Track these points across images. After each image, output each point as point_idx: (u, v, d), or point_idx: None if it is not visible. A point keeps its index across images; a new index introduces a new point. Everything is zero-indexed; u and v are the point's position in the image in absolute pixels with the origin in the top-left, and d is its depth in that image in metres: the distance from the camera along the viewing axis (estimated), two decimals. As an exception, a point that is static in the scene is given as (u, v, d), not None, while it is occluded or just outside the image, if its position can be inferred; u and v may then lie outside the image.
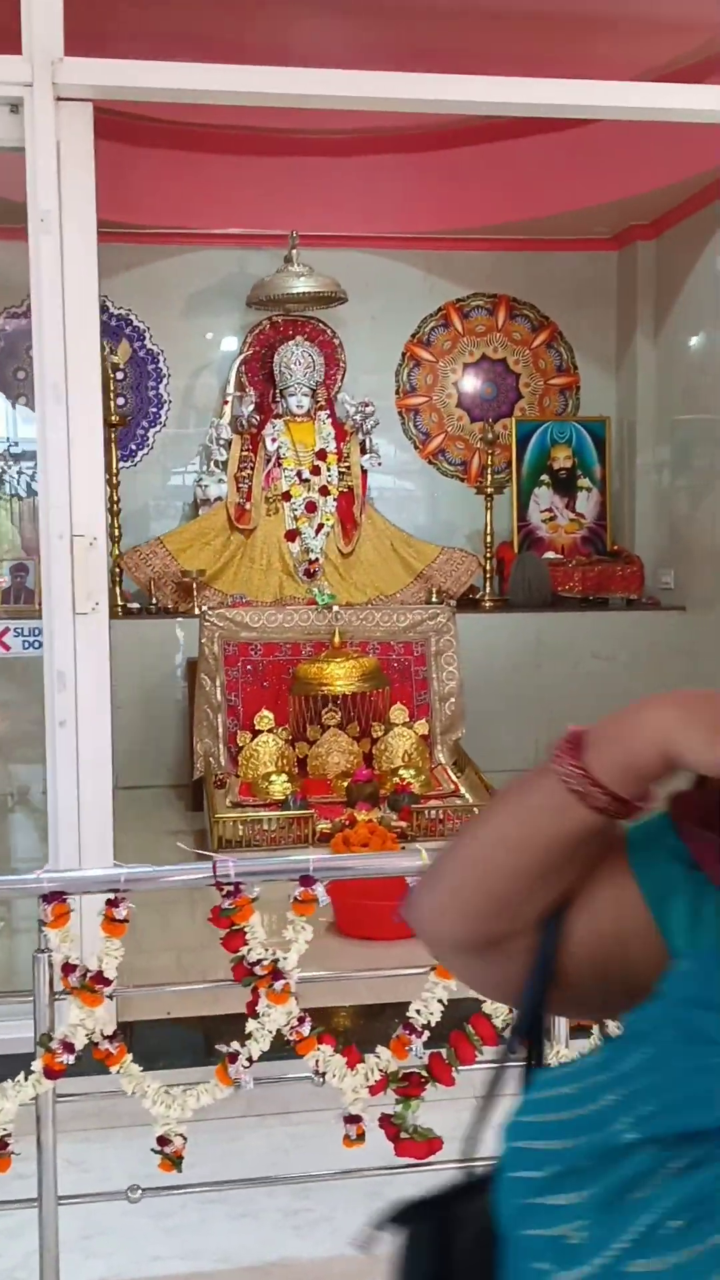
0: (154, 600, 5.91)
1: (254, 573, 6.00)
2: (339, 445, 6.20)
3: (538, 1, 4.16)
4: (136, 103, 3.82)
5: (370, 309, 6.64)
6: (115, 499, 6.06)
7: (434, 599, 5.93)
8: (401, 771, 4.80)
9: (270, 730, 4.88)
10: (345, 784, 4.63)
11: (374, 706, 5.05)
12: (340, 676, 4.81)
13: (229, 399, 6.24)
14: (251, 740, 4.89)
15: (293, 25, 4.12)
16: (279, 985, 2.04)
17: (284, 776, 4.72)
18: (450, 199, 6.39)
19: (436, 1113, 2.17)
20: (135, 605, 6.00)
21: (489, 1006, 2.14)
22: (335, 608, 5.17)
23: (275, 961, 2.05)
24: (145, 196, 6.20)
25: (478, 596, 6.34)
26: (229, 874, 2.04)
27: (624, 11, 4.16)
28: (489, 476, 6.39)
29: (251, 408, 6.19)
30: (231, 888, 2.05)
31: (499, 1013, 2.14)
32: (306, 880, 2.06)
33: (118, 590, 6.02)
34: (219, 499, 6.11)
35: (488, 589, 6.36)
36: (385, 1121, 2.14)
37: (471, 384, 6.81)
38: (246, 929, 2.05)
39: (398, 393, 6.76)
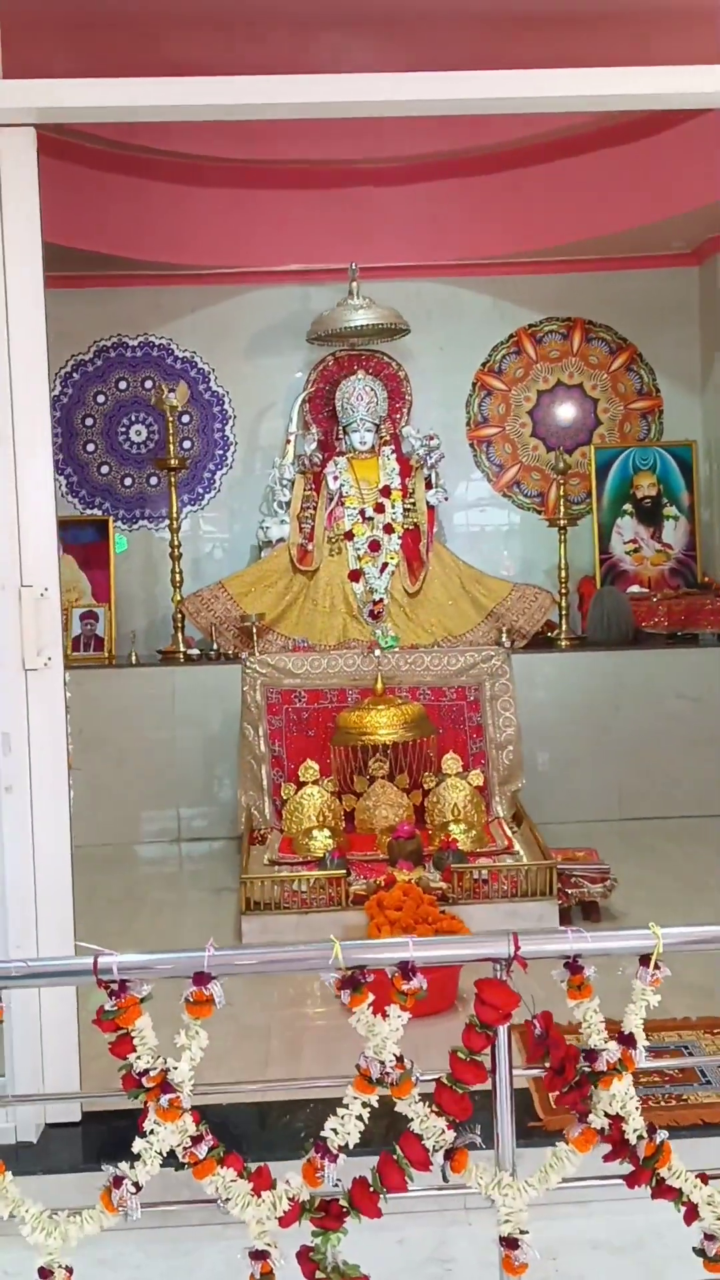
0: (215, 646, 5.78)
1: (317, 615, 5.81)
2: (404, 481, 5.98)
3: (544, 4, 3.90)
4: (84, 124, 3.67)
5: (437, 339, 6.42)
6: (175, 544, 5.96)
7: (504, 639, 5.63)
8: (451, 826, 4.51)
9: (315, 782, 4.66)
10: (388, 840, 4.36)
11: (425, 756, 4.77)
12: (383, 725, 4.56)
13: (291, 438, 6.09)
14: (296, 793, 4.67)
15: (270, 38, 3.95)
16: (167, 1100, 1.80)
17: (326, 832, 4.48)
18: (516, 221, 6.14)
19: (365, 1245, 1.90)
20: (195, 652, 5.87)
21: (418, 1125, 1.86)
22: (378, 651, 4.92)
23: (165, 1071, 1.82)
24: (204, 237, 6.14)
25: (554, 635, 6.00)
26: (111, 971, 1.82)
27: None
28: (562, 508, 6.06)
29: (314, 446, 6.03)
30: (115, 986, 1.82)
31: (430, 1133, 1.86)
32: (200, 979, 1.82)
33: (179, 636, 5.92)
34: (281, 540, 5.95)
35: (565, 626, 6.01)
36: (303, 1256, 1.88)
37: (547, 412, 6.50)
38: (134, 1034, 1.82)
39: (469, 424, 6.50)
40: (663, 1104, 2.69)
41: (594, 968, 1.90)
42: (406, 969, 1.86)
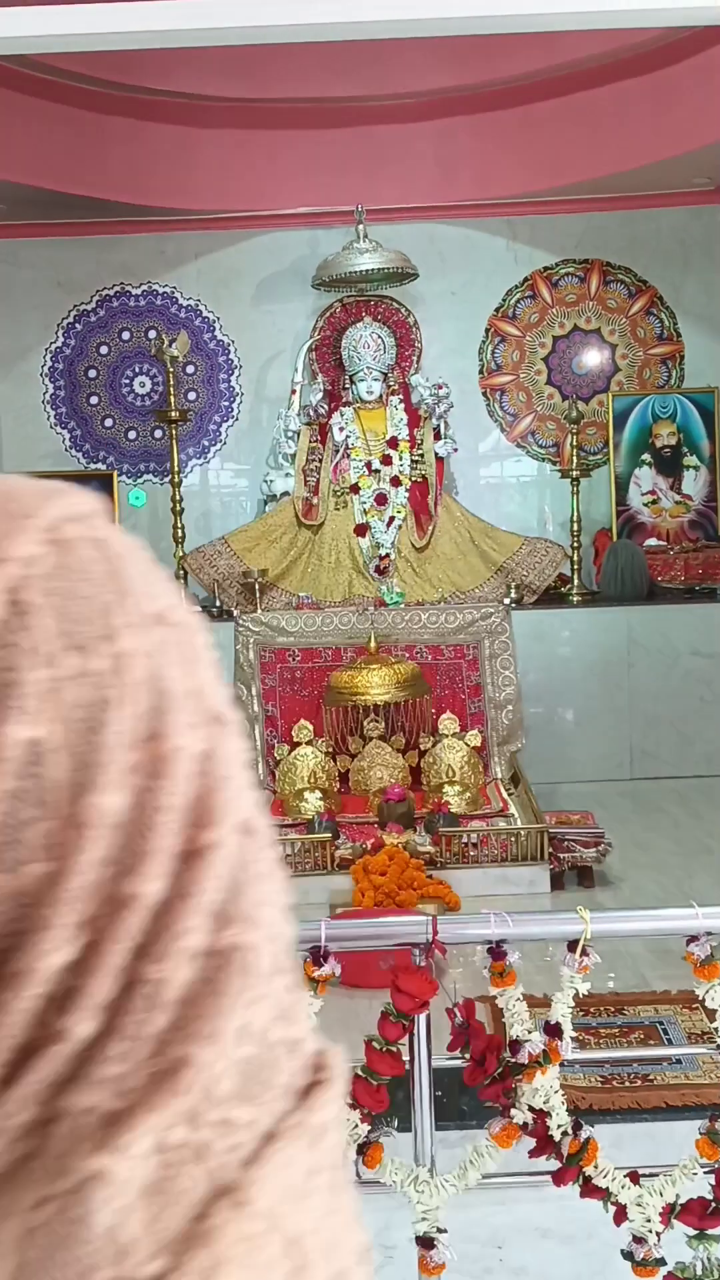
0: (218, 603, 5.68)
1: (322, 571, 5.69)
2: (412, 432, 5.81)
3: None
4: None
5: (450, 283, 6.21)
6: (177, 498, 5.85)
7: (512, 594, 5.48)
8: (445, 789, 4.40)
9: (309, 742, 4.57)
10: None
11: (422, 716, 4.66)
12: (375, 685, 4.44)
13: (296, 388, 5.93)
14: (289, 753, 4.58)
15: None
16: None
17: (317, 794, 4.39)
18: (531, 158, 5.89)
19: None
20: (198, 609, 5.76)
21: None
22: (370, 609, 4.79)
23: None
24: (209, 181, 5.97)
25: (566, 590, 5.84)
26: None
27: None
28: (576, 458, 5.86)
29: (320, 396, 5.87)
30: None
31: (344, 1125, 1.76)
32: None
33: (182, 593, 5.82)
34: (286, 494, 5.82)
35: (577, 581, 5.84)
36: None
37: (562, 359, 6.28)
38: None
39: (481, 372, 6.30)
40: (627, 1084, 2.58)
41: (519, 953, 1.79)
42: (318, 954, 1.76)
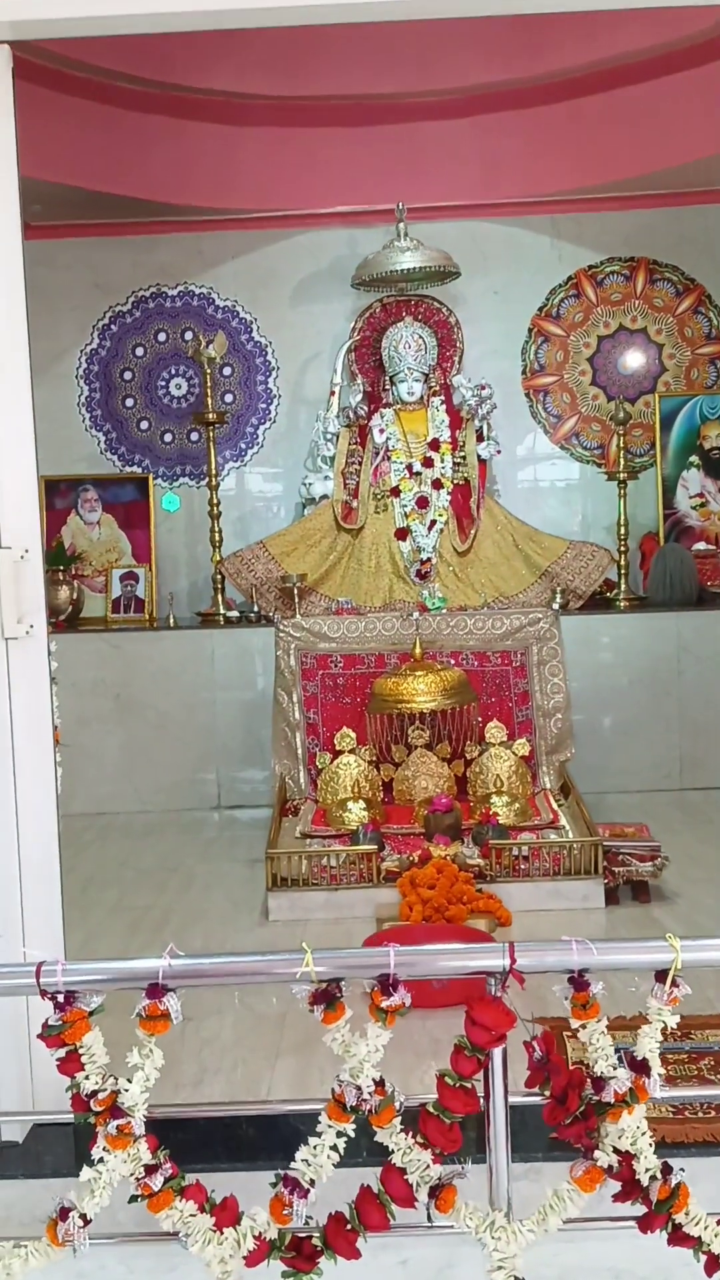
0: (256, 608, 5.58)
1: (362, 576, 5.57)
2: (454, 434, 5.69)
3: None
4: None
5: (492, 282, 6.09)
6: (215, 501, 5.76)
7: (558, 599, 5.34)
8: (493, 799, 4.27)
9: (352, 751, 4.45)
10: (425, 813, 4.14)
11: (468, 724, 4.53)
12: (421, 692, 4.32)
13: (335, 389, 5.82)
14: (331, 762, 4.47)
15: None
16: (115, 1126, 1.61)
17: (361, 804, 4.28)
18: (576, 155, 5.77)
19: (362, 1266, 1.70)
20: (234, 614, 5.67)
21: (401, 1158, 1.65)
22: (416, 615, 4.67)
23: (115, 1094, 1.63)
24: (248, 180, 5.88)
25: (613, 595, 5.69)
26: (55, 980, 1.63)
27: None
28: (622, 460, 5.72)
29: (360, 397, 5.76)
30: (61, 997, 1.63)
31: (414, 1166, 1.65)
32: (154, 991, 1.63)
33: (219, 598, 5.73)
34: (324, 497, 5.71)
35: (624, 586, 5.70)
36: (275, 1296, 1.69)
37: (607, 358, 6.14)
38: (82, 1050, 1.63)
39: (524, 373, 6.17)
40: (700, 1115, 2.45)
41: (602, 983, 1.66)
42: (386, 983, 1.64)
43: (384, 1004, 1.64)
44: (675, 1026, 1.66)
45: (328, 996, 1.65)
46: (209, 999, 3.05)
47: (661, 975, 1.64)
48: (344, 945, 3.61)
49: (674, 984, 1.63)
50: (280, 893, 3.87)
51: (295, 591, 5.21)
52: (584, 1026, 1.65)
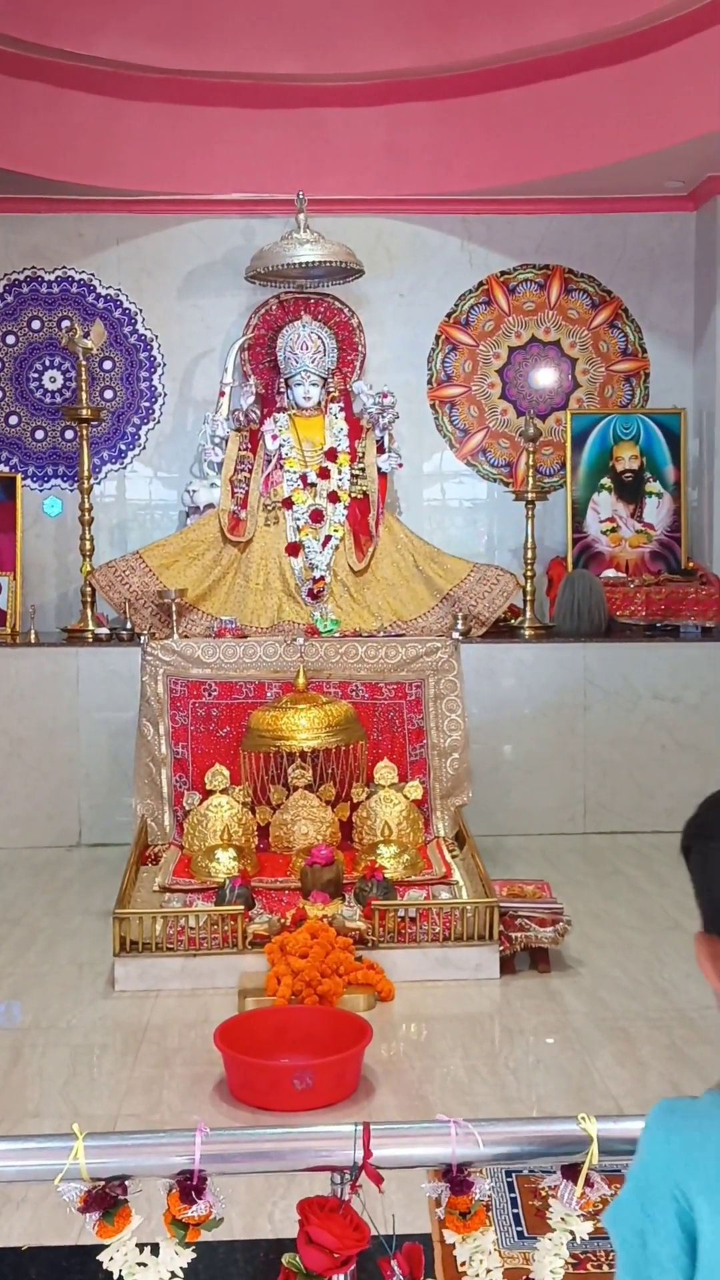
0: (130, 625, 5.05)
1: (249, 593, 5.08)
2: (352, 444, 5.25)
3: None
4: None
5: (398, 284, 5.69)
6: (86, 506, 5.23)
7: (459, 626, 4.92)
8: (380, 849, 3.82)
9: (224, 791, 3.96)
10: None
11: (355, 763, 4.07)
12: (303, 728, 3.85)
13: (226, 390, 5.34)
14: (200, 803, 3.97)
15: None
16: None
17: (231, 852, 3.78)
18: (489, 151, 5.40)
19: None
20: (104, 631, 5.14)
21: None
22: (300, 640, 4.21)
23: None
24: (134, 159, 5.39)
25: (518, 623, 5.30)
26: None
27: None
28: (531, 480, 5.34)
29: (252, 400, 5.28)
30: None
31: None
32: None
33: (89, 613, 5.20)
34: (210, 506, 5.22)
35: (530, 613, 5.31)
36: None
37: (518, 371, 5.77)
38: None
39: (430, 382, 5.77)
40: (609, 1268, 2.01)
41: (490, 1180, 1.20)
42: (188, 1185, 1.16)
43: (183, 1215, 1.16)
44: (588, 1235, 1.21)
45: (105, 1201, 1.16)
46: None
47: (571, 1171, 1.19)
48: (200, 1021, 3.12)
49: (589, 1183, 1.18)
50: (129, 959, 3.35)
51: (173, 608, 4.69)
52: (464, 1241, 1.19)
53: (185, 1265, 1.18)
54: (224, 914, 3.40)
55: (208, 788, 3.99)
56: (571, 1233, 1.20)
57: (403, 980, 3.35)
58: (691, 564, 5.63)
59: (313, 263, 5.13)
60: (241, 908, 3.41)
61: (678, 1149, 0.94)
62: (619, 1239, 0.97)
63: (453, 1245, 1.20)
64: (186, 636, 4.53)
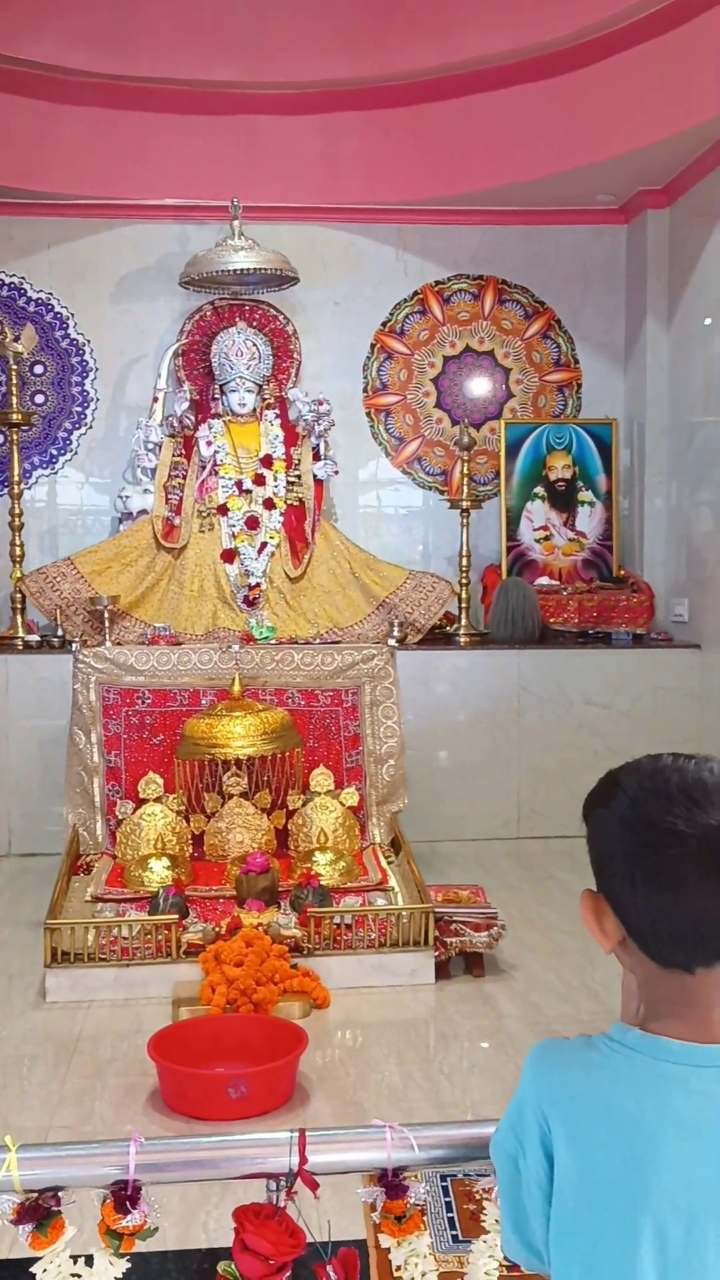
0: (61, 631, 4.99)
1: (183, 600, 5.05)
2: (288, 451, 5.24)
3: None
4: None
5: (333, 293, 5.70)
6: (17, 511, 5.16)
7: (395, 633, 4.94)
8: (316, 856, 3.81)
9: (158, 799, 3.92)
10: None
11: (291, 771, 4.07)
12: (238, 735, 3.83)
13: (159, 395, 5.31)
14: (134, 812, 3.93)
15: None
16: None
17: (165, 861, 3.75)
18: (423, 162, 5.44)
19: None
20: (34, 638, 5.07)
21: None
22: (236, 647, 4.19)
23: None
24: (67, 162, 5.35)
25: (453, 630, 5.33)
26: None
27: None
28: (466, 488, 5.38)
29: (186, 405, 5.26)
30: None
31: None
32: None
33: (19, 620, 5.12)
34: (144, 512, 5.18)
35: (465, 620, 5.34)
36: None
37: (453, 381, 5.82)
38: None
39: (366, 390, 5.79)
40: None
41: (425, 1184, 1.21)
42: (122, 1195, 1.15)
43: (118, 1225, 1.14)
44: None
45: (38, 1213, 1.14)
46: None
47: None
48: (133, 1032, 3.09)
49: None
50: (60, 970, 3.30)
51: (106, 615, 4.65)
52: (399, 1246, 1.19)
53: (120, 1276, 1.16)
54: (157, 923, 3.37)
55: (141, 796, 3.95)
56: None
57: (338, 987, 3.34)
58: (623, 572, 5.71)
59: (247, 270, 5.12)
60: (175, 917, 3.38)
61: (544, 1082, 1.05)
62: (497, 1163, 1.09)
63: (388, 1250, 1.20)
64: (119, 644, 4.50)
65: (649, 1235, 0.95)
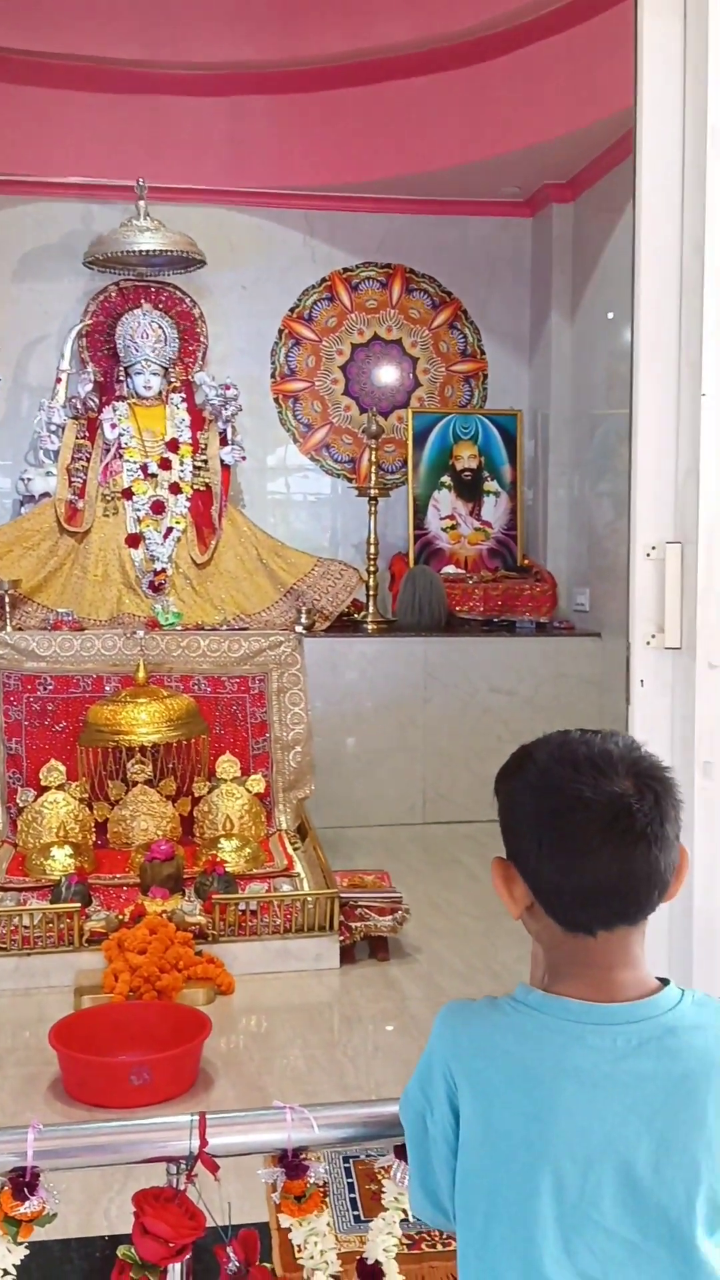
0: (-40, 617, 4.87)
1: (86, 585, 4.97)
2: (195, 435, 5.19)
3: None
4: None
5: (240, 277, 5.66)
6: None
7: (303, 620, 4.93)
8: (221, 843, 3.80)
9: (60, 787, 3.87)
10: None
11: (197, 757, 4.05)
12: (142, 722, 3.80)
13: (63, 376, 5.22)
14: (35, 799, 3.87)
15: None
16: None
17: (67, 849, 3.71)
18: (331, 149, 5.44)
19: None
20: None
21: None
22: (140, 632, 4.16)
23: None
24: (-33, 135, 5.19)
25: (361, 617, 5.36)
26: None
27: None
28: (374, 476, 5.40)
29: (90, 387, 5.17)
30: None
31: None
32: None
33: None
34: (46, 495, 5.08)
35: (372, 608, 5.37)
36: None
37: (361, 368, 5.83)
38: None
39: (274, 376, 5.77)
40: (441, 1248, 2.05)
41: (325, 1164, 1.22)
42: (20, 1181, 1.14)
43: (17, 1211, 1.14)
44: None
45: None
46: None
47: (403, 1151, 1.21)
48: (34, 1021, 3.05)
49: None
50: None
51: (6, 599, 4.56)
52: (299, 1225, 1.20)
53: (18, 1263, 1.16)
54: (59, 911, 3.33)
55: (43, 784, 3.90)
56: (404, 1211, 1.23)
57: (243, 973, 3.35)
58: (527, 561, 5.80)
59: (153, 251, 5.06)
60: (78, 905, 3.35)
61: (449, 1040, 1.08)
62: (406, 1121, 1.12)
63: (289, 1229, 1.21)
64: (21, 629, 4.42)
65: (548, 1184, 1.00)
